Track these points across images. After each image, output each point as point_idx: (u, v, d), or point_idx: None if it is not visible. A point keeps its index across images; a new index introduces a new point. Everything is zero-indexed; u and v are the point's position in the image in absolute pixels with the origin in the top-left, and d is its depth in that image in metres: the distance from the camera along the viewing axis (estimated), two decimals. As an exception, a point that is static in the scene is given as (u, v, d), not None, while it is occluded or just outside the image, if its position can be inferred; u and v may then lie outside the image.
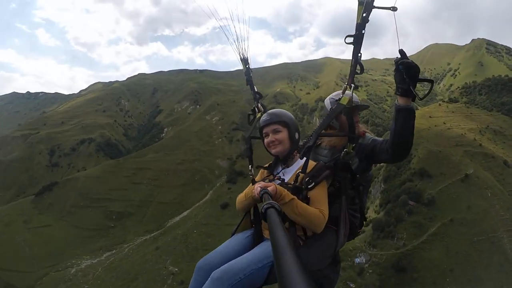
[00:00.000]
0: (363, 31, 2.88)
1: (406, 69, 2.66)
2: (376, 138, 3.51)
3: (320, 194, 2.90)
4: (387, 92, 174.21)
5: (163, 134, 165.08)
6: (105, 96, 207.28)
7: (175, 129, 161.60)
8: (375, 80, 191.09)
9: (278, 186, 2.67)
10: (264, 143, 3.29)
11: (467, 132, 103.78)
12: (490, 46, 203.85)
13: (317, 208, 2.78)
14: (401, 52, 2.70)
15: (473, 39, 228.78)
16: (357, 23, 2.88)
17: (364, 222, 3.65)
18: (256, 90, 4.09)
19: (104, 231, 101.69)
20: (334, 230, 3.03)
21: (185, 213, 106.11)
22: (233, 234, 3.32)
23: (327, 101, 3.94)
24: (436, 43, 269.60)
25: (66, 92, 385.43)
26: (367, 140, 3.47)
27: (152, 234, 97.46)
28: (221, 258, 2.79)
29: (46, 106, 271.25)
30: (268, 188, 2.55)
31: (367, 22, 2.86)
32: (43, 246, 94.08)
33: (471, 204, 76.17)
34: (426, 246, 70.12)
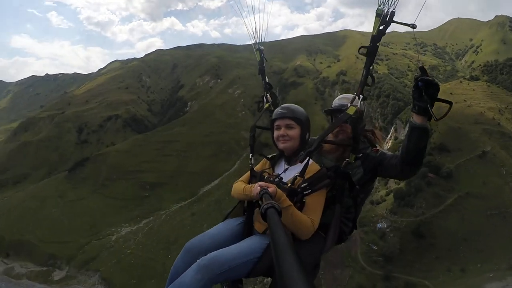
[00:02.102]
0: (378, 44, 2.93)
1: (425, 87, 2.72)
2: (385, 152, 3.55)
3: (316, 202, 3.00)
4: (408, 67, 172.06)
5: (187, 108, 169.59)
6: (126, 73, 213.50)
7: (199, 103, 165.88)
8: (396, 54, 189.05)
9: (278, 190, 2.79)
10: (273, 135, 3.34)
11: (487, 110, 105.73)
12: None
13: (309, 218, 2.89)
14: (422, 69, 2.80)
15: (496, 15, 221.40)
16: (372, 35, 2.91)
17: (354, 230, 3.66)
18: (267, 81, 4.21)
19: (139, 200, 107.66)
20: (323, 237, 3.13)
21: (216, 182, 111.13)
22: (225, 218, 3.48)
23: (335, 101, 4.01)
24: (459, 18, 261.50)
25: (84, 72, 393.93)
26: (377, 153, 3.55)
27: (187, 201, 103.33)
28: (210, 243, 2.95)
29: (66, 87, 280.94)
30: (269, 189, 2.65)
31: (384, 35, 2.90)
32: (81, 218, 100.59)
33: (487, 180, 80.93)
34: (443, 215, 75.77)
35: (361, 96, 3.12)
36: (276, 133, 3.27)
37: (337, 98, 4.05)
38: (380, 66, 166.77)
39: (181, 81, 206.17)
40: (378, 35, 2.88)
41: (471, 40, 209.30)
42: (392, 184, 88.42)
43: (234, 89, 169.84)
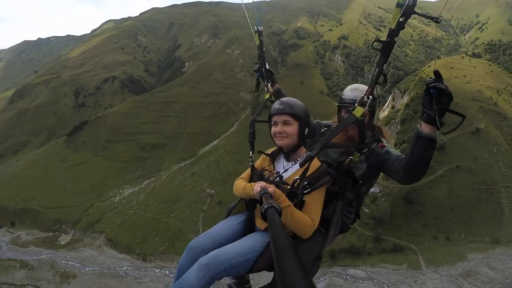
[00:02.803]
0: (396, 39, 2.73)
1: (438, 95, 2.54)
2: (391, 150, 3.42)
3: (315, 200, 3.04)
4: (411, 36, 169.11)
5: (185, 68, 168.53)
6: (121, 33, 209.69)
7: (197, 63, 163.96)
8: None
9: (277, 190, 2.85)
10: (270, 131, 3.30)
11: (485, 89, 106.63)
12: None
13: (310, 217, 2.94)
14: (436, 73, 2.57)
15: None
16: (390, 29, 2.72)
17: (357, 219, 3.69)
18: (268, 68, 4.08)
19: (140, 161, 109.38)
20: (323, 234, 3.17)
21: (215, 142, 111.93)
22: (228, 213, 3.56)
23: (347, 92, 3.80)
24: None
25: (77, 34, 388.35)
26: (382, 149, 3.44)
27: (187, 162, 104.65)
28: (212, 242, 3.10)
29: (59, 50, 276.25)
30: (269, 189, 2.73)
31: (403, 29, 2.71)
32: (83, 181, 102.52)
33: (478, 156, 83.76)
34: (433, 185, 78.74)
35: (370, 97, 2.99)
36: (273, 129, 3.25)
37: (349, 89, 3.82)
38: (382, 32, 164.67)
39: (178, 40, 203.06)
40: (396, 29, 2.69)
41: (477, 16, 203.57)
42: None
43: (232, 49, 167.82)
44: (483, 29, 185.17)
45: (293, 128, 3.16)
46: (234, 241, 3.09)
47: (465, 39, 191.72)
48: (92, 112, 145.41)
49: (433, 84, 2.52)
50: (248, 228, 3.29)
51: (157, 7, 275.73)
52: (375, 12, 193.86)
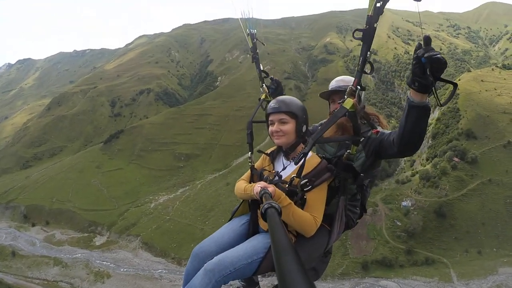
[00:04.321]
0: (375, 25, 2.64)
1: (431, 64, 2.29)
2: (384, 131, 3.41)
3: (317, 198, 3.01)
4: (440, 49, 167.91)
5: (218, 83, 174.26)
6: (155, 48, 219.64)
7: (229, 78, 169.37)
8: (428, 35, 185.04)
9: (277, 190, 2.85)
10: (268, 130, 3.27)
11: None
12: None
13: (311, 215, 2.92)
14: (426, 39, 2.35)
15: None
16: (368, 16, 2.62)
17: (364, 214, 3.67)
18: (262, 69, 4.15)
19: (174, 171, 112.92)
20: (327, 231, 3.18)
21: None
22: (232, 216, 3.60)
23: (332, 83, 4.02)
24: (494, 2, 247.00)
25: (111, 47, 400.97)
26: (377, 134, 3.41)
27: (221, 172, 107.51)
28: (216, 246, 3.13)
29: (95, 62, 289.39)
30: (269, 189, 2.72)
31: (381, 14, 2.60)
32: (119, 187, 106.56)
33: (510, 169, 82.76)
34: (465, 199, 78.15)
35: (358, 87, 2.93)
36: (270, 128, 3.22)
37: (334, 80, 4.02)
38: (411, 46, 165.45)
39: (210, 55, 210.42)
40: (374, 15, 2.62)
41: (506, 26, 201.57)
42: (418, 165, 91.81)
43: (263, 64, 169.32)
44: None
45: (289, 127, 3.14)
46: (238, 243, 3.15)
47: (494, 50, 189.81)
48: (127, 121, 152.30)
49: (429, 54, 2.28)
50: (252, 229, 3.34)
51: (189, 23, 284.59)
52: (403, 26, 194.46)
